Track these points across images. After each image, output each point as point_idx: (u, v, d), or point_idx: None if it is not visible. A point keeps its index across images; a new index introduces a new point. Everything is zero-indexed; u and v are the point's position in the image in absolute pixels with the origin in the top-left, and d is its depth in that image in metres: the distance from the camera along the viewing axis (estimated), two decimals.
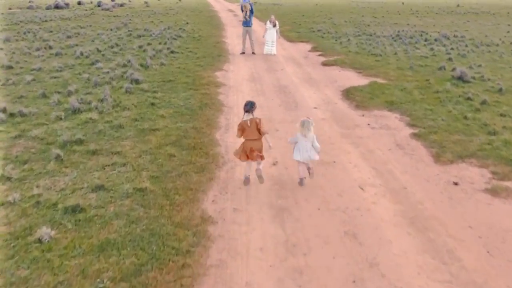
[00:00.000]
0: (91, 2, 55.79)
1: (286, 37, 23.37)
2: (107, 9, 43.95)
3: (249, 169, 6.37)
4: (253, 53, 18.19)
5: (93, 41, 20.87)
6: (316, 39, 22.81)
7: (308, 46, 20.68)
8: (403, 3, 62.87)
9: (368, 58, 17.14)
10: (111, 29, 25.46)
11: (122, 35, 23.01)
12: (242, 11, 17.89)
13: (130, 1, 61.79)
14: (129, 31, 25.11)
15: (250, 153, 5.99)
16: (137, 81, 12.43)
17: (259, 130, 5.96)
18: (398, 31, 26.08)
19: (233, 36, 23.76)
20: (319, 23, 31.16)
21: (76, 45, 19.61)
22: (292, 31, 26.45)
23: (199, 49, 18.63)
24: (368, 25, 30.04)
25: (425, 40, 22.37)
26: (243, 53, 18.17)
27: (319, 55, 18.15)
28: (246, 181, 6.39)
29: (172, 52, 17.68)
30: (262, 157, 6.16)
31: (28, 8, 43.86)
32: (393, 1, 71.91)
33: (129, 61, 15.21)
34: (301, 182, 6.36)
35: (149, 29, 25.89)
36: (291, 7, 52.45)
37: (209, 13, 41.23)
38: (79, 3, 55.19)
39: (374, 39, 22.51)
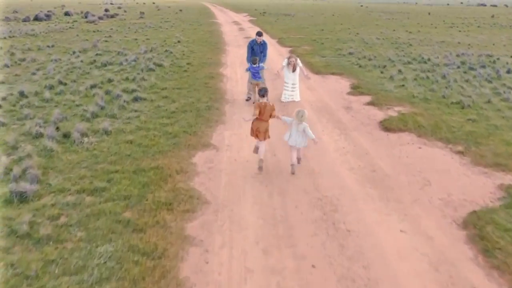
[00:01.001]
0: (81, 12, 49.41)
1: (309, 66, 16.57)
2: (92, 22, 37.61)
3: (263, 151, 7.10)
4: None
5: (34, 73, 14.27)
6: (352, 69, 16.04)
7: (344, 83, 13.88)
8: (429, 13, 55.90)
9: (451, 112, 10.53)
10: (74, 52, 18.77)
11: (81, 63, 16.33)
12: (254, 64, 11.46)
13: (125, 12, 55.51)
14: (96, 55, 18.51)
15: (257, 133, 7.08)
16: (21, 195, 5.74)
17: (270, 114, 6.97)
18: (457, 54, 19.16)
19: (235, 64, 17.02)
20: (346, 41, 24.33)
21: (3, 82, 12.88)
22: (315, 54, 19.59)
23: (180, 93, 12.06)
24: (410, 45, 23.12)
25: (508, 72, 15.32)
26: (249, 99, 11.57)
27: (368, 103, 11.53)
28: (261, 163, 7.10)
29: (136, 99, 11.02)
30: (267, 136, 7.12)
31: (4, 19, 37.40)
32: (412, 8, 65.13)
33: (43, 125, 8.55)
34: (292, 169, 6.94)
35: (125, 51, 19.35)
36: (305, 18, 45.68)
37: (210, 27, 34.53)
38: (66, 14, 48.87)
39: (434, 70, 15.77)
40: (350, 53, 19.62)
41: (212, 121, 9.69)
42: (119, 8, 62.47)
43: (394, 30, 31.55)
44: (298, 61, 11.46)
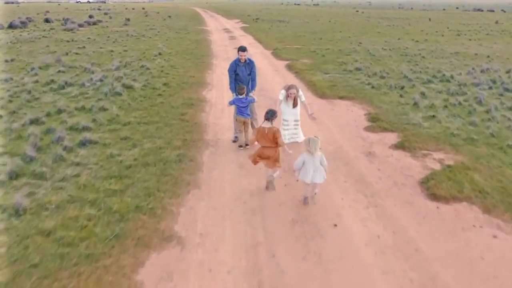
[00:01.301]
0: (63, 19, 46.30)
1: (312, 86, 13.82)
2: (71, 30, 34.48)
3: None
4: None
5: None
6: (364, 91, 13.30)
7: (357, 112, 11.12)
8: (430, 19, 53.30)
9: None
10: (32, 69, 15.68)
11: (33, 84, 13.49)
12: (238, 94, 8.55)
13: (110, 18, 52.42)
14: (58, 72, 15.53)
15: (265, 159, 6.27)
16: None
17: (276, 140, 6.14)
18: (482, 70, 16.43)
19: (222, 83, 14.16)
20: (349, 53, 21.45)
21: None
22: (316, 69, 16.64)
23: (146, 131, 9.48)
24: (423, 57, 20.26)
25: None
26: (237, 140, 8.93)
27: (396, 145, 8.97)
28: (271, 185, 6.56)
29: (83, 143, 8.26)
30: (278, 166, 6.37)
31: None
32: (410, 14, 62.56)
33: None
34: (305, 201, 6.21)
35: (94, 67, 16.44)
36: (301, 25, 42.83)
37: (198, 35, 31.52)
38: (46, 21, 45.74)
39: (464, 93, 13.26)
40: (358, 69, 16.65)
41: (182, 184, 6.69)
42: (106, 14, 59.35)
43: (399, 39, 28.71)
44: (300, 93, 8.52)
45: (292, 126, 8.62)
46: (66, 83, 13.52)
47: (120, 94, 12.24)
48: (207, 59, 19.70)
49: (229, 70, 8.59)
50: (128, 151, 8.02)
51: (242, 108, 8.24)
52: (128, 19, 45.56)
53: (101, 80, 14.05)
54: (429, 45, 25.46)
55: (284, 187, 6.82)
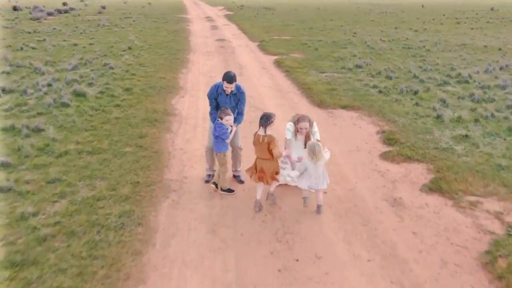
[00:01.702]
0: (33, 7, 42.90)
1: (306, 91, 11.46)
2: (37, 19, 31.37)
3: (261, 191, 5.59)
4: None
5: None
6: (371, 97, 11.20)
7: (366, 127, 9.02)
8: (422, 6, 50.96)
9: None
10: None
11: None
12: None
13: (86, 5, 49.02)
14: (1, 73, 12.53)
15: (260, 174, 5.43)
16: None
17: (270, 151, 5.21)
18: (501, 67, 14.19)
19: (198, 87, 11.90)
20: (345, 45, 19.03)
21: None
22: (310, 67, 14.24)
23: (87, 167, 7.23)
24: (428, 50, 17.88)
25: None
26: (210, 179, 6.55)
27: (429, 187, 6.60)
28: (257, 204, 5.63)
29: None
30: (275, 179, 5.55)
31: None
32: (403, 2, 60.13)
33: None
34: (305, 202, 5.79)
35: (47, 66, 14.00)
36: (289, 12, 40.07)
37: (177, 24, 28.69)
38: (14, 9, 42.39)
39: (492, 99, 11.06)
40: (358, 66, 14.15)
41: (116, 277, 4.09)
42: (82, 0, 55.77)
43: (396, 28, 26.28)
44: (315, 129, 6.12)
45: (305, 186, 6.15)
46: (3, 90, 10.76)
47: (66, 106, 9.61)
48: (183, 54, 17.02)
49: (209, 96, 6.21)
50: (52, 207, 5.48)
51: (219, 140, 5.73)
52: (104, 7, 42.35)
53: (49, 85, 11.38)
54: (430, 36, 23.08)
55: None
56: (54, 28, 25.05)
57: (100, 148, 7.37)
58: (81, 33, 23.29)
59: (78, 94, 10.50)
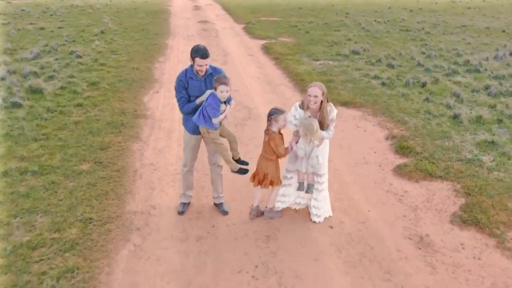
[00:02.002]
0: None
1: (300, 82, 10.15)
2: None
3: (259, 198, 4.84)
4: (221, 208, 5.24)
5: None
6: (374, 91, 10.00)
7: (372, 131, 7.88)
8: None
9: None
10: None
11: None
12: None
13: None
14: None
15: (259, 176, 4.62)
16: None
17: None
18: (511, 52, 12.67)
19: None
20: (338, 27, 17.90)
21: None
22: (302, 54, 13.06)
23: (29, 195, 5.75)
24: (427, 32, 16.56)
25: None
26: (185, 210, 5.15)
27: (463, 219, 5.21)
28: (253, 212, 4.90)
29: None
30: (276, 184, 4.65)
31: None
32: None
33: None
34: (304, 188, 4.69)
35: (3, 56, 12.06)
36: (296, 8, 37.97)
37: (157, 5, 26.64)
38: None
39: (509, 92, 9.55)
40: (355, 52, 12.69)
41: None
42: None
43: (390, 8, 24.73)
44: (334, 110, 4.65)
45: (315, 207, 4.80)
46: None
47: (18, 106, 8.04)
48: (161, 38, 15.36)
49: (177, 88, 4.58)
50: None
51: (210, 109, 4.32)
52: None
53: (2, 79, 9.66)
54: (427, 16, 21.65)
55: None
56: (23, 10, 23.03)
57: (49, 166, 5.86)
58: (51, 15, 21.38)
59: (34, 91, 8.92)
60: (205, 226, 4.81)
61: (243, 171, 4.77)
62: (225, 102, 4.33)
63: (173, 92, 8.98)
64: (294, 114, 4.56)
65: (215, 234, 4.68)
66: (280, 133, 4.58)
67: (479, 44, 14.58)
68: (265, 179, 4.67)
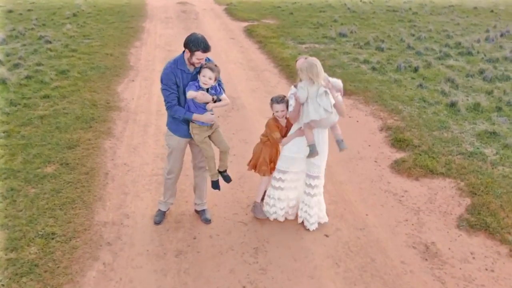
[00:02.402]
0: None
1: (283, 67, 9.59)
2: None
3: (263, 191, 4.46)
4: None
5: None
6: (364, 76, 9.50)
7: (365, 120, 7.41)
8: None
9: None
10: None
11: None
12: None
13: None
14: None
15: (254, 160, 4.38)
16: None
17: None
18: (502, 33, 12.75)
19: (154, 67, 9.79)
20: (323, 8, 17.24)
21: None
22: (287, 37, 12.59)
23: None
24: (415, 13, 16.29)
25: None
26: (162, 219, 4.56)
27: (470, 223, 4.73)
28: (257, 209, 4.49)
29: None
30: (266, 172, 4.31)
31: None
32: None
33: None
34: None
35: None
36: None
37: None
38: None
39: (505, 76, 9.60)
40: (342, 35, 12.10)
41: None
42: None
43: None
44: (336, 80, 4.21)
45: (298, 179, 4.21)
46: None
47: None
48: (137, 21, 14.51)
49: (166, 82, 3.90)
50: None
51: (204, 108, 3.89)
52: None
53: None
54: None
55: None
56: None
57: (9, 169, 5.19)
58: None
59: None
60: (185, 238, 4.23)
61: (226, 178, 4.22)
62: (213, 99, 3.76)
63: (150, 81, 8.37)
64: (292, 93, 4.01)
65: (197, 248, 4.11)
66: (277, 121, 4.17)
67: (469, 25, 14.11)
68: (264, 167, 4.34)
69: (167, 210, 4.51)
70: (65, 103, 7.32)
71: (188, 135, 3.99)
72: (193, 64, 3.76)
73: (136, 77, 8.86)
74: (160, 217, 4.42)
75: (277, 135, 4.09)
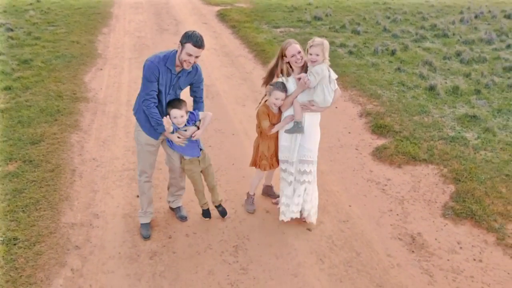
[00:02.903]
0: None
1: (258, 52, 9.33)
2: None
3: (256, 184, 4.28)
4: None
5: None
6: (342, 61, 9.21)
7: (344, 106, 7.25)
8: None
9: None
10: None
11: None
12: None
13: None
14: None
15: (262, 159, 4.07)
16: None
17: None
18: (476, 14, 13.05)
19: (123, 54, 9.58)
20: None
21: None
22: (261, 21, 12.37)
23: None
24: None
25: None
26: (148, 239, 4.10)
27: (455, 211, 4.64)
28: (248, 202, 4.35)
29: None
30: (259, 165, 4.10)
31: None
32: None
33: None
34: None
35: None
36: None
37: None
38: None
39: (481, 58, 9.60)
40: (317, 18, 11.90)
41: None
42: None
43: None
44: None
45: (294, 169, 3.94)
46: None
47: None
48: (105, 6, 13.92)
49: (147, 75, 3.51)
50: None
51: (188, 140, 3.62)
52: None
53: None
54: None
55: None
56: None
57: None
58: None
59: None
60: (160, 237, 3.96)
61: (222, 213, 4.03)
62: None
63: (119, 69, 7.97)
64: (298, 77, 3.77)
65: (173, 248, 3.84)
66: (268, 108, 3.88)
67: (443, 7, 14.06)
68: (263, 161, 4.11)
69: (150, 221, 4.18)
70: (28, 95, 6.88)
71: (157, 136, 3.69)
72: (181, 62, 3.43)
73: (105, 66, 8.43)
74: (147, 231, 4.09)
75: (265, 124, 3.83)
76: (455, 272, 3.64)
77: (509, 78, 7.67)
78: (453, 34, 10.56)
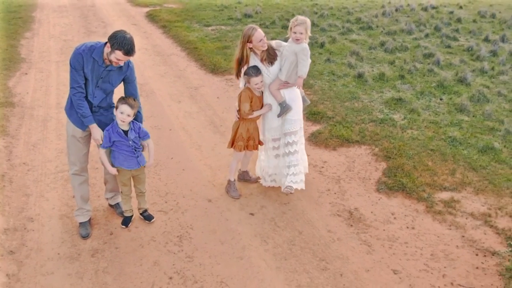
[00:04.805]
0: None
1: (191, 50, 9.26)
2: None
3: (234, 167, 4.37)
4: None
5: None
6: None
7: None
8: None
9: None
10: None
11: None
12: None
13: None
14: None
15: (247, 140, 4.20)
16: None
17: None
18: (396, 8, 13.53)
19: (49, 57, 9.22)
20: None
21: None
22: (192, 21, 12.39)
23: None
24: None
25: None
26: (88, 236, 3.98)
27: (388, 185, 4.93)
28: (231, 187, 4.41)
29: None
30: (238, 147, 4.21)
31: None
32: None
33: None
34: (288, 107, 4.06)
35: None
36: None
37: None
38: None
39: (403, 47, 10.15)
40: (248, 16, 12.10)
41: None
42: None
43: None
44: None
45: (281, 142, 4.15)
46: None
47: None
48: (26, 11, 13.26)
49: (74, 65, 3.43)
50: None
51: (127, 151, 3.55)
52: None
53: None
54: None
55: None
56: None
57: None
58: None
59: None
60: (101, 235, 3.87)
61: (147, 218, 4.06)
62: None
63: (46, 73, 7.65)
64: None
65: (115, 244, 3.77)
66: (251, 91, 4.05)
67: (366, 2, 14.75)
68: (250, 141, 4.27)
69: (90, 219, 4.05)
70: None
71: (84, 127, 3.61)
72: (110, 61, 3.37)
73: (30, 70, 8.05)
74: (85, 229, 3.95)
75: (246, 107, 3.99)
76: (391, 240, 3.84)
77: (428, 63, 8.19)
78: (377, 26, 11.10)
